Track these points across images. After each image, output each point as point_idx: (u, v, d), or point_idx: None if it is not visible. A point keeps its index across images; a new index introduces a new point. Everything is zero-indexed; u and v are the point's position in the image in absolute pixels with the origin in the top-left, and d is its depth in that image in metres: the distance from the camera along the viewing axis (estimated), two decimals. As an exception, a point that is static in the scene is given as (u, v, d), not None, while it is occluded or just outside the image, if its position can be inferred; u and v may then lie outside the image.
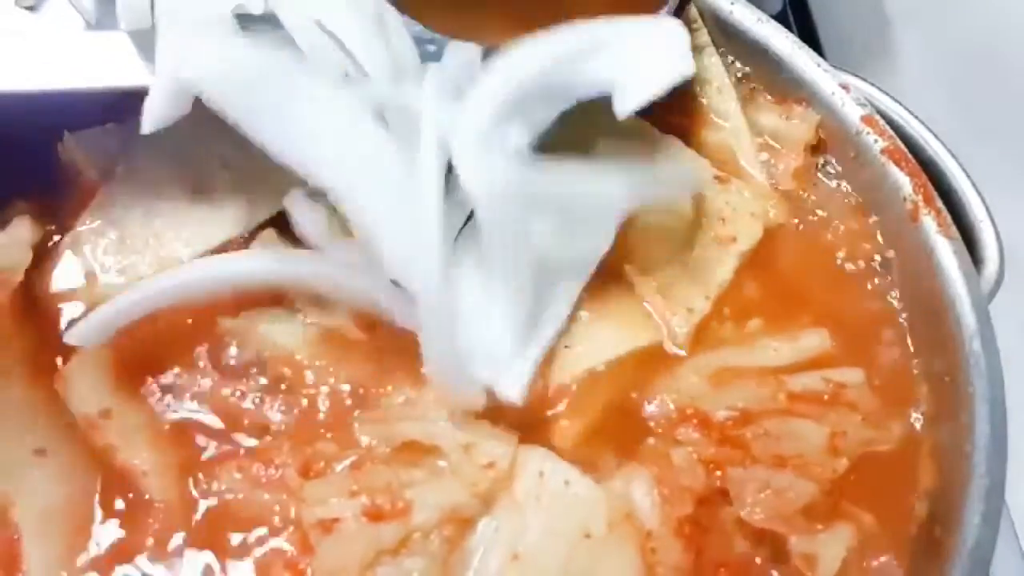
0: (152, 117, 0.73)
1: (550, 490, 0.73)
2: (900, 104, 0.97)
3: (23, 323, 0.81)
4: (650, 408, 0.80)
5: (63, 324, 0.81)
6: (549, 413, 0.79)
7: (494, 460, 0.74)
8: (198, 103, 0.80)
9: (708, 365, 0.83)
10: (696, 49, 0.98)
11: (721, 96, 0.97)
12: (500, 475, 0.73)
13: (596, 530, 0.72)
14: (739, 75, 0.98)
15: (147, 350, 0.78)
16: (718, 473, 0.77)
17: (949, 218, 0.87)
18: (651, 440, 0.78)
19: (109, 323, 0.75)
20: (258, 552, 0.72)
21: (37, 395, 0.78)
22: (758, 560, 0.76)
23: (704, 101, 0.97)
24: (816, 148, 0.95)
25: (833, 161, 0.95)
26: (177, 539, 0.73)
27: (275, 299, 0.81)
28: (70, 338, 0.75)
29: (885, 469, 0.80)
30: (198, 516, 0.74)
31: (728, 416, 0.80)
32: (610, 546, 0.73)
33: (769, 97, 0.97)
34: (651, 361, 0.82)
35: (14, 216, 0.85)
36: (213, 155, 0.89)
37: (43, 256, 0.84)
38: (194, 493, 0.74)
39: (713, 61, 0.98)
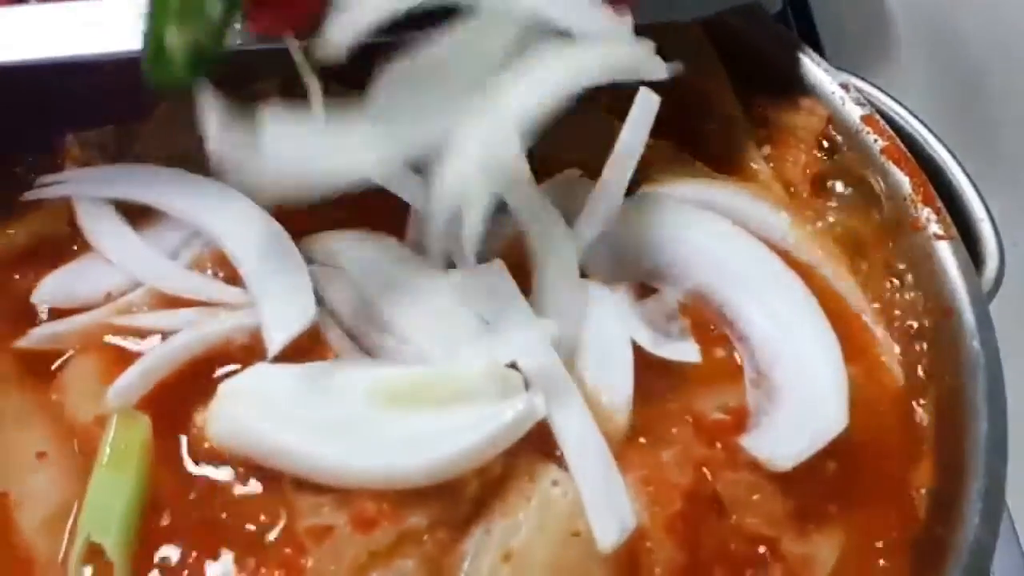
0: None
1: (540, 490, 0.72)
2: (900, 104, 0.97)
3: (18, 326, 0.81)
4: (641, 407, 0.79)
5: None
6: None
7: (486, 465, 0.73)
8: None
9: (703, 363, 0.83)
10: (690, 45, 0.98)
11: (718, 89, 0.97)
12: (491, 479, 0.73)
13: (585, 528, 0.71)
14: (740, 74, 0.99)
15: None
16: (705, 470, 0.77)
17: (949, 218, 0.87)
18: (642, 439, 0.78)
19: (149, 377, 0.76)
20: (252, 558, 0.72)
21: (35, 399, 0.78)
22: (754, 558, 0.75)
23: (699, 95, 0.97)
24: (824, 144, 0.95)
25: (833, 161, 0.95)
26: (173, 543, 0.73)
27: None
28: (114, 398, 0.75)
29: (884, 468, 0.80)
30: (194, 521, 0.73)
31: (720, 418, 0.80)
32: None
33: (779, 91, 0.97)
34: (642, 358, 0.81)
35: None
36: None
37: (40, 260, 0.84)
38: (190, 498, 0.74)
39: (707, 51, 0.98)
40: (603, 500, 0.72)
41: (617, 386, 0.78)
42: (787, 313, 0.83)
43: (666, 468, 0.76)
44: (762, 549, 0.76)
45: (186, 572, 0.72)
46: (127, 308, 0.81)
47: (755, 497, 0.77)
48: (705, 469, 0.77)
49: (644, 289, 0.85)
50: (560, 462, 0.74)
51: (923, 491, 0.79)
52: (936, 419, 0.82)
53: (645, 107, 0.80)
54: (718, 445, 0.78)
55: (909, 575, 0.76)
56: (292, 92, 0.93)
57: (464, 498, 0.72)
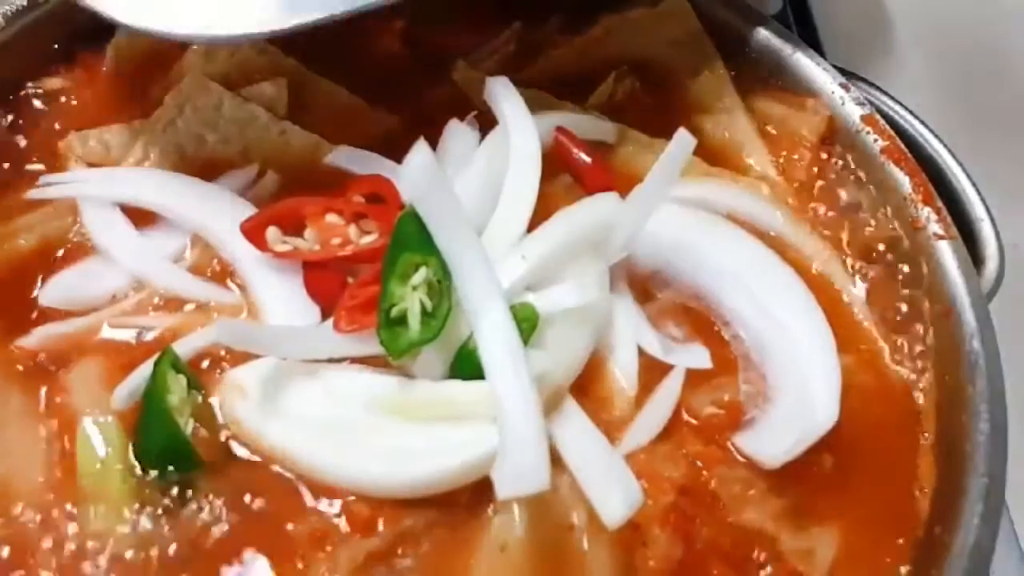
0: None
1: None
2: (900, 104, 0.97)
3: (23, 326, 0.81)
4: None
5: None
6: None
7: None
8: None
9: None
10: (687, 37, 0.98)
11: (714, 78, 0.97)
12: (486, 478, 0.72)
13: (578, 521, 0.72)
14: (742, 74, 0.99)
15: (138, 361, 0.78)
16: (699, 464, 0.77)
17: (949, 217, 0.88)
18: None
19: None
20: (251, 558, 0.72)
21: (38, 399, 0.78)
22: (752, 553, 0.76)
23: (696, 88, 0.97)
24: (827, 143, 0.95)
25: (835, 159, 0.95)
26: (173, 543, 0.73)
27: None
28: (119, 401, 0.75)
29: (883, 465, 0.80)
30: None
31: (714, 413, 0.80)
32: (595, 537, 0.73)
33: (781, 90, 0.97)
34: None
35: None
36: (217, 156, 0.89)
37: (47, 261, 0.84)
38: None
39: (702, 42, 0.98)
40: (605, 478, 0.72)
41: (623, 387, 0.79)
42: (782, 311, 0.83)
43: (659, 462, 0.77)
44: (760, 544, 0.76)
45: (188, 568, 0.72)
46: (131, 310, 0.81)
47: (751, 492, 0.77)
48: (700, 464, 0.78)
49: (643, 290, 0.85)
50: (552, 459, 0.74)
51: (923, 491, 0.79)
52: (936, 419, 0.82)
53: (680, 146, 0.81)
54: (712, 441, 0.79)
55: (909, 575, 0.76)
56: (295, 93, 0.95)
57: (460, 498, 0.73)
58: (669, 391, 0.79)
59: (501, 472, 0.70)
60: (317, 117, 0.92)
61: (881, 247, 0.90)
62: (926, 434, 0.82)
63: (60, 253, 0.85)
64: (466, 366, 0.74)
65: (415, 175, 0.74)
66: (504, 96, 0.87)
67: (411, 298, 0.72)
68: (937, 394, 0.83)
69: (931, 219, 0.87)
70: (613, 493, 0.72)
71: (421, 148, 0.74)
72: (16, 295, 0.83)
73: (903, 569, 0.76)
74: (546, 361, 0.74)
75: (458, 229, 0.74)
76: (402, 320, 0.72)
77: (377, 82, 0.95)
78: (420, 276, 0.73)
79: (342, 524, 0.72)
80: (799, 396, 0.80)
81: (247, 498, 0.74)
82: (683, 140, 0.81)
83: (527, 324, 0.74)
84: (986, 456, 0.77)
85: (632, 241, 0.82)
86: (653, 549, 0.74)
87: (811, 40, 1.29)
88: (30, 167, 0.90)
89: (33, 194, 0.87)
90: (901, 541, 0.78)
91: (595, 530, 0.72)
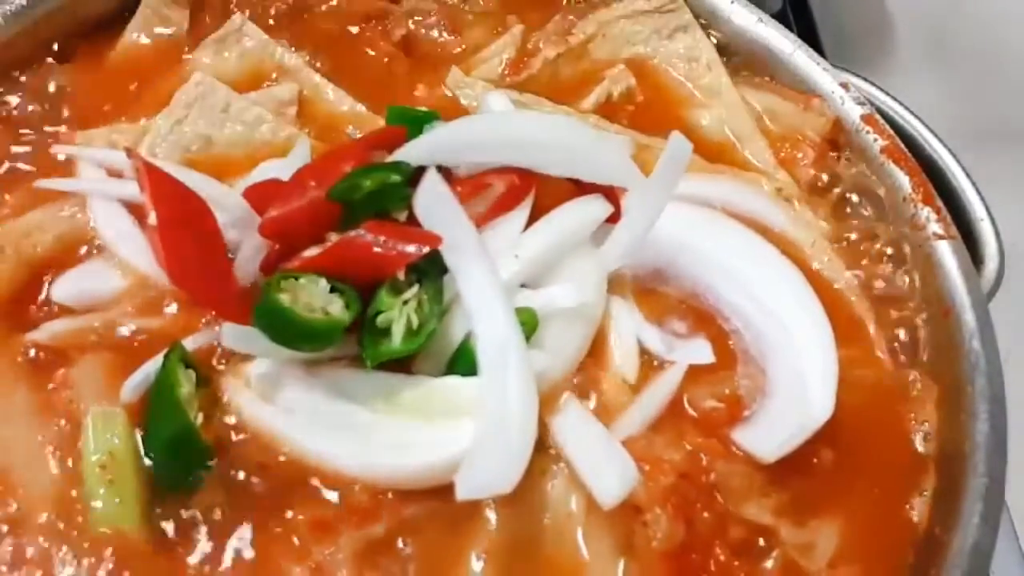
0: None
1: (531, 478, 0.72)
2: (900, 103, 0.97)
3: (33, 321, 0.81)
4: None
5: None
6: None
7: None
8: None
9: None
10: (679, 29, 0.98)
11: (711, 73, 0.97)
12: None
13: (576, 508, 0.73)
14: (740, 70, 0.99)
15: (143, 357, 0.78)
16: (699, 455, 0.77)
17: (949, 217, 0.88)
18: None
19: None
20: (257, 544, 0.73)
21: (45, 394, 0.78)
22: (752, 546, 0.76)
23: (694, 85, 0.97)
24: (831, 143, 0.95)
25: (835, 158, 0.95)
26: (180, 531, 0.73)
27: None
28: (125, 394, 0.76)
29: (883, 463, 0.80)
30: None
31: (714, 406, 0.80)
32: (596, 522, 0.74)
33: (784, 88, 0.97)
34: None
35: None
36: (222, 158, 0.89)
37: (59, 259, 0.84)
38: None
39: (698, 37, 0.98)
40: (600, 459, 0.73)
41: (624, 381, 0.79)
42: (781, 307, 0.84)
43: (659, 449, 0.77)
44: (760, 536, 0.76)
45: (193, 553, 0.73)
46: (138, 306, 0.81)
47: (750, 486, 0.77)
48: (700, 454, 0.78)
49: (644, 287, 0.85)
50: (549, 453, 0.75)
51: (923, 491, 0.79)
52: (936, 419, 0.82)
53: (677, 152, 0.80)
54: (712, 434, 0.79)
55: (909, 575, 0.76)
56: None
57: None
58: (668, 382, 0.79)
59: (464, 473, 0.69)
60: (319, 120, 0.92)
61: (881, 246, 0.91)
62: (926, 432, 0.82)
63: (74, 252, 0.85)
64: (465, 362, 0.75)
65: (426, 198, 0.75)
66: (496, 106, 0.88)
67: (400, 312, 0.73)
68: (937, 394, 0.83)
69: (931, 219, 0.87)
70: (609, 473, 0.73)
71: (432, 176, 0.75)
72: (26, 292, 0.83)
73: (903, 570, 0.77)
74: (543, 360, 0.75)
75: (459, 230, 0.75)
76: (386, 330, 0.73)
77: (377, 87, 0.95)
78: (412, 292, 0.74)
79: (344, 513, 0.72)
80: (796, 391, 0.80)
81: (251, 487, 0.74)
82: (678, 144, 0.80)
83: (526, 328, 0.75)
84: (986, 456, 0.77)
85: (632, 251, 0.82)
86: (655, 529, 0.74)
87: (811, 40, 1.29)
88: (37, 166, 0.89)
89: (42, 184, 0.86)
90: (901, 539, 0.78)
91: (594, 513, 0.73)
